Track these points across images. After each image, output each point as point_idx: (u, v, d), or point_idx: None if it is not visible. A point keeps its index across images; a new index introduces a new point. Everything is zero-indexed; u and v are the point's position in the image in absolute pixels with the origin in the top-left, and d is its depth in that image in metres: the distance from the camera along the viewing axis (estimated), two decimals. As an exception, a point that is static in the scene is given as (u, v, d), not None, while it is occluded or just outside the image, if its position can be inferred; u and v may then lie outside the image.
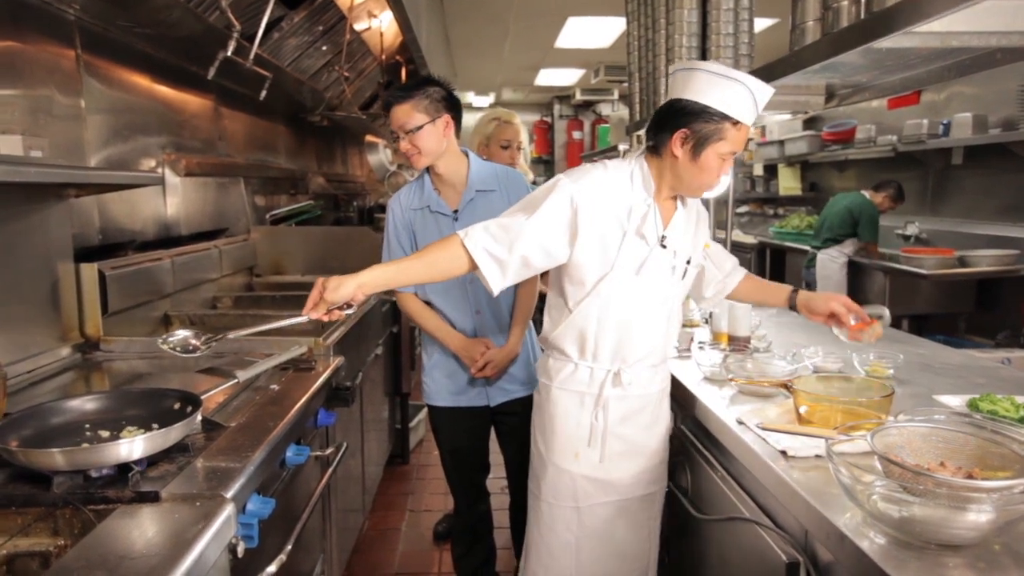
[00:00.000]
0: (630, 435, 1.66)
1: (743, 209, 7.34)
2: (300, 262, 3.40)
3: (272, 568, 1.27)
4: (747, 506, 1.38)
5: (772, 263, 6.05)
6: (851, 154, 5.76)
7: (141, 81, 2.56)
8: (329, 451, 1.82)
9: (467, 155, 2.07)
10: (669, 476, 1.90)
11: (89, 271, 2.00)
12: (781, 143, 6.47)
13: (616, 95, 8.98)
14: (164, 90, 2.72)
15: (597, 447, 1.65)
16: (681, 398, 1.87)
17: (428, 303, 2.08)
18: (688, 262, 1.66)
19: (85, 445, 1.19)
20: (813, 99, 2.18)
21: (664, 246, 1.59)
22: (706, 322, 2.58)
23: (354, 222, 5.15)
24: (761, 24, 5.49)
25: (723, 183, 1.81)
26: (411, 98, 1.92)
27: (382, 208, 5.95)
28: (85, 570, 0.89)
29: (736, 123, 1.49)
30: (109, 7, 2.15)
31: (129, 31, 2.39)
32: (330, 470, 1.70)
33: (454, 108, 1.99)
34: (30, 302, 1.82)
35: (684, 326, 2.55)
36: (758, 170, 7.22)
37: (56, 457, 1.10)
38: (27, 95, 1.91)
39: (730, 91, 1.47)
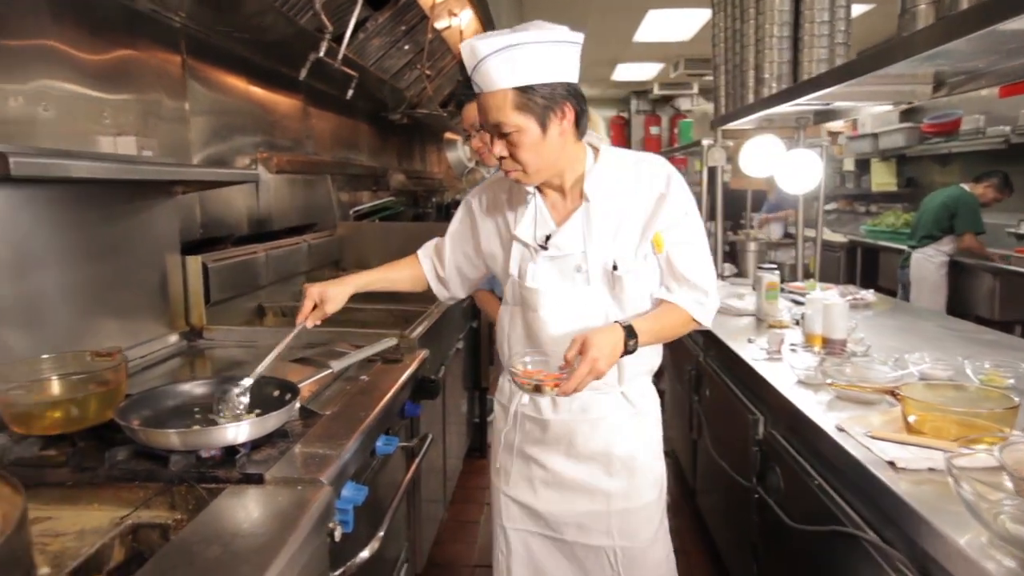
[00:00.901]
0: (552, 465, 1.50)
1: (831, 206, 7.00)
2: (383, 257, 3.46)
3: (365, 554, 1.30)
4: (848, 518, 1.31)
5: (864, 263, 5.75)
6: (955, 147, 5.39)
7: (237, 83, 2.68)
8: (415, 442, 1.86)
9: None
10: (758, 479, 1.84)
11: (194, 263, 2.12)
12: (875, 136, 6.13)
13: (696, 89, 8.75)
14: (257, 91, 2.85)
15: (511, 465, 1.56)
16: (772, 401, 1.80)
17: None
18: (615, 268, 1.39)
19: (196, 427, 1.26)
20: (920, 88, 2.03)
21: (545, 247, 1.42)
22: (796, 323, 2.47)
23: (432, 218, 5.24)
24: (855, 10, 5.21)
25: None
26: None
27: (459, 204, 6.03)
28: (203, 544, 0.94)
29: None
30: (211, 13, 2.26)
31: (228, 36, 2.51)
32: (417, 460, 1.73)
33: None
34: (143, 292, 1.94)
35: (772, 327, 2.47)
36: (848, 165, 6.87)
37: (172, 437, 1.17)
38: (140, 99, 2.04)
39: None
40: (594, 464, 1.48)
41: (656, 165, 1.44)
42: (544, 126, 1.29)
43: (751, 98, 2.63)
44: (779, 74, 2.37)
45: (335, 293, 1.53)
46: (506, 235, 1.51)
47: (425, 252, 1.69)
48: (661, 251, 1.41)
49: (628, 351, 1.31)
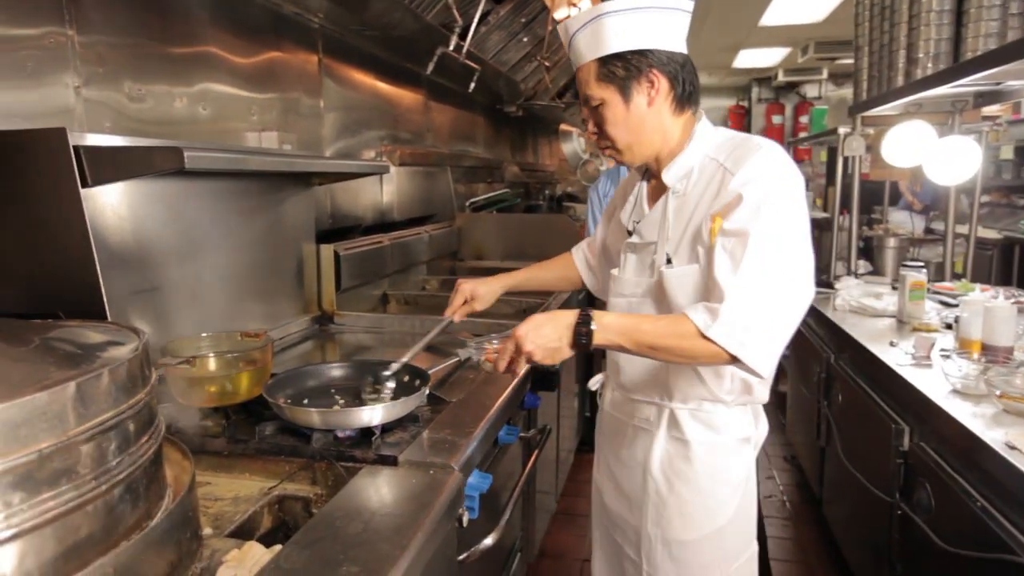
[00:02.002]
0: (608, 456, 1.46)
1: (984, 199, 6.32)
2: (500, 248, 3.53)
3: (489, 541, 1.32)
4: (1020, 545, 1.17)
5: (1022, 263, 5.15)
6: None
7: (365, 80, 2.80)
8: (533, 433, 1.87)
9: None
10: (901, 494, 1.70)
11: (327, 251, 2.23)
12: (1041, 119, 5.45)
13: (825, 74, 8.19)
14: (383, 87, 2.96)
15: (597, 451, 1.56)
16: (920, 411, 1.66)
17: None
18: (668, 261, 1.25)
19: (336, 408, 1.33)
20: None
21: (631, 232, 1.35)
22: (948, 327, 2.26)
23: (543, 210, 5.25)
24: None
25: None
26: None
27: (571, 196, 6.01)
28: (345, 519, 0.99)
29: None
30: (345, 13, 2.37)
31: (359, 34, 2.62)
32: (536, 451, 1.74)
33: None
34: (283, 277, 2.08)
35: (917, 330, 2.26)
36: (1006, 153, 6.16)
37: (314, 416, 1.24)
38: (282, 97, 2.17)
39: None
40: (631, 473, 1.38)
41: (749, 142, 1.22)
42: (627, 97, 1.22)
43: (900, 81, 2.41)
44: (936, 53, 2.15)
45: (485, 292, 1.62)
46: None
47: (577, 247, 1.75)
48: (714, 239, 1.15)
49: (580, 341, 1.13)
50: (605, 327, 1.13)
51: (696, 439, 1.29)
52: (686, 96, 1.25)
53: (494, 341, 1.34)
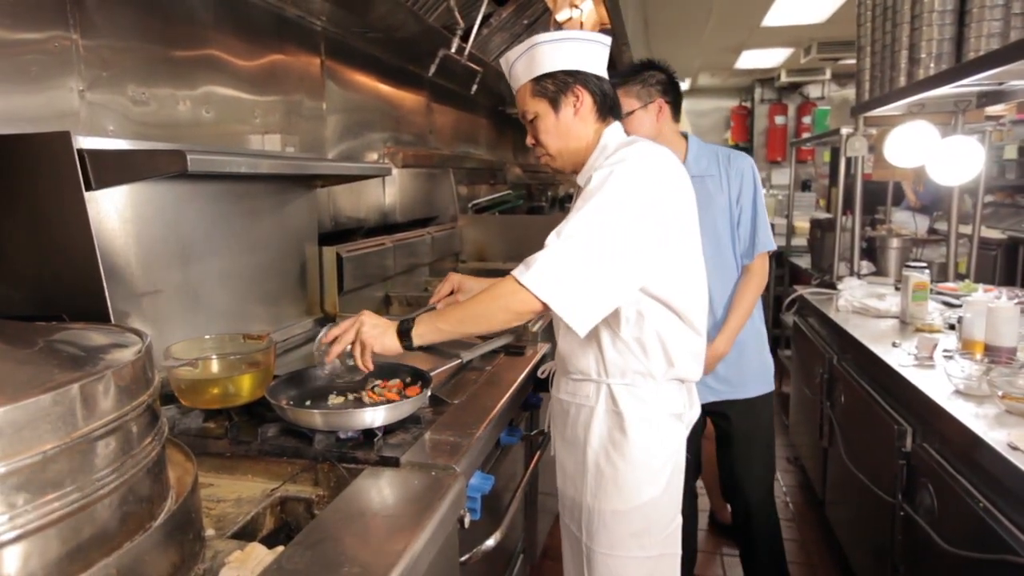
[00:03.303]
0: (559, 440, 1.53)
1: (987, 199, 6.29)
2: (502, 249, 3.54)
3: (491, 542, 1.32)
4: (1022, 546, 1.17)
5: (1026, 263, 5.13)
6: None
7: (367, 82, 2.81)
8: (535, 433, 1.87)
9: (686, 139, 2.01)
10: (904, 495, 1.70)
11: (329, 253, 2.24)
12: (1045, 120, 5.43)
13: (828, 75, 8.16)
14: (385, 89, 2.97)
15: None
16: (922, 411, 1.65)
17: None
18: None
19: (338, 409, 1.33)
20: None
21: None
22: (951, 328, 2.25)
23: (546, 211, 5.26)
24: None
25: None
26: (624, 84, 1.92)
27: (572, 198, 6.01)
28: (346, 520, 0.99)
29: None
30: (348, 15, 2.38)
31: (361, 36, 2.63)
32: (539, 452, 1.74)
33: (670, 92, 1.95)
34: (285, 279, 2.08)
35: (920, 330, 2.26)
36: (1010, 152, 6.14)
37: (316, 417, 1.24)
38: (285, 100, 2.18)
39: None
40: (570, 446, 1.47)
41: (631, 149, 1.32)
42: (556, 109, 1.41)
43: (903, 81, 2.41)
44: (938, 53, 2.14)
45: (472, 287, 1.64)
46: None
47: None
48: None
49: (404, 337, 1.32)
50: (420, 322, 1.32)
51: (631, 413, 1.39)
52: (607, 108, 1.45)
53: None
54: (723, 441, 2.15)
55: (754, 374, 2.05)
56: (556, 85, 1.40)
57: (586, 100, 1.41)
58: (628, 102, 1.91)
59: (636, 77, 1.93)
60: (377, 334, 1.32)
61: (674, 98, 1.95)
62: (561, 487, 1.52)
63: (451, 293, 1.70)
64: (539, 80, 1.41)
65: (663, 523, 1.43)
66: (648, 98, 1.92)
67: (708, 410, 2.04)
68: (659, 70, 1.94)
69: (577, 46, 1.41)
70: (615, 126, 1.46)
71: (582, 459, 1.43)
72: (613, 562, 1.41)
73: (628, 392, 1.39)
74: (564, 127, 1.43)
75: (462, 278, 1.70)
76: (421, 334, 1.31)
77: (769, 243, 1.98)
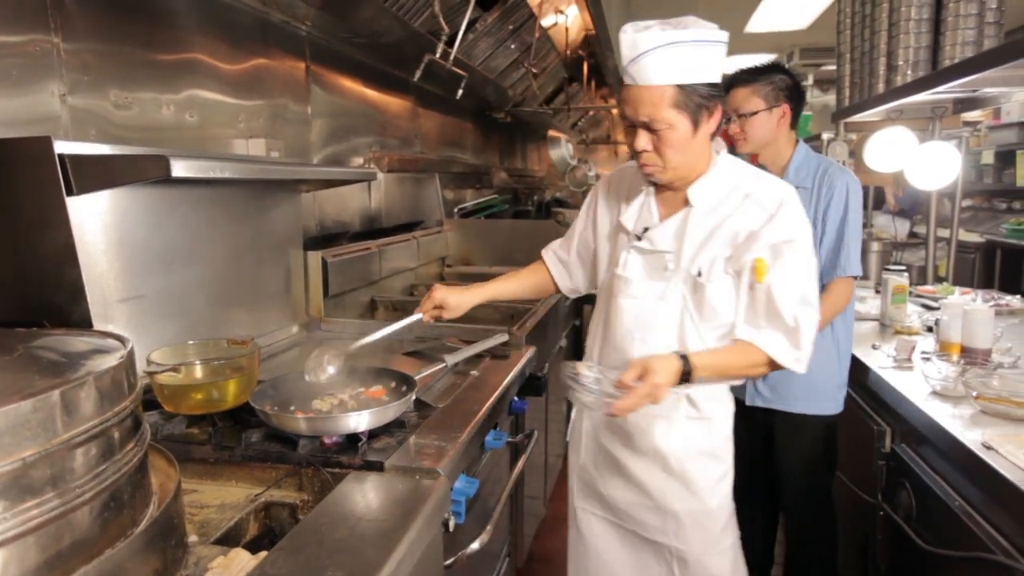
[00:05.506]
0: (616, 453, 1.49)
1: (966, 203, 6.40)
2: (488, 254, 3.54)
3: (475, 546, 1.33)
4: (997, 545, 1.19)
5: (1004, 265, 5.23)
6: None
7: (353, 86, 2.81)
8: (520, 438, 1.87)
9: (795, 145, 1.96)
10: (883, 495, 1.72)
11: (315, 258, 2.23)
12: (1022, 125, 5.52)
13: (811, 80, 8.26)
14: (371, 93, 2.97)
15: (580, 444, 1.59)
16: (901, 412, 1.68)
17: None
18: (699, 274, 1.35)
19: (322, 414, 1.33)
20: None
21: (639, 238, 1.42)
22: (929, 330, 2.29)
23: (532, 216, 5.27)
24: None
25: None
26: (754, 82, 1.89)
27: (560, 202, 6.03)
28: (331, 525, 0.99)
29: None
30: (333, 20, 2.38)
31: (347, 41, 2.63)
32: (524, 456, 1.75)
33: (796, 99, 1.91)
34: (270, 284, 2.08)
35: (900, 333, 2.29)
36: (987, 158, 6.25)
37: (300, 422, 1.24)
38: (269, 104, 2.18)
39: None
40: (650, 460, 1.45)
41: (772, 186, 1.37)
42: (696, 125, 1.28)
43: (881, 87, 2.45)
44: (915, 60, 2.19)
45: (456, 303, 1.58)
46: (616, 223, 1.52)
47: (548, 248, 1.73)
48: (761, 280, 1.30)
49: (682, 381, 1.26)
50: (700, 368, 1.26)
51: (712, 414, 1.43)
52: (720, 127, 1.36)
53: (596, 386, 1.30)
54: (767, 451, 2.07)
55: (805, 391, 1.91)
56: (702, 99, 1.26)
57: (717, 119, 1.31)
58: (754, 102, 1.87)
59: (766, 78, 1.87)
60: (667, 392, 1.24)
61: (796, 105, 1.90)
62: (626, 497, 1.49)
63: (435, 308, 1.59)
64: (686, 88, 1.24)
65: (732, 510, 1.49)
66: (775, 101, 1.87)
67: (756, 412, 1.98)
68: (787, 75, 1.90)
69: (721, 51, 1.27)
70: (723, 147, 1.41)
71: (667, 466, 1.43)
72: (709, 560, 1.44)
73: (706, 396, 1.42)
74: (697, 146, 1.31)
75: (444, 295, 1.59)
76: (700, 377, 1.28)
77: (852, 267, 1.85)
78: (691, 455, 1.42)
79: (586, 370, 1.32)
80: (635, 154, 1.34)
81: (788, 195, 1.35)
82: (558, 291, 1.73)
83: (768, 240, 1.30)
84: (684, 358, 1.25)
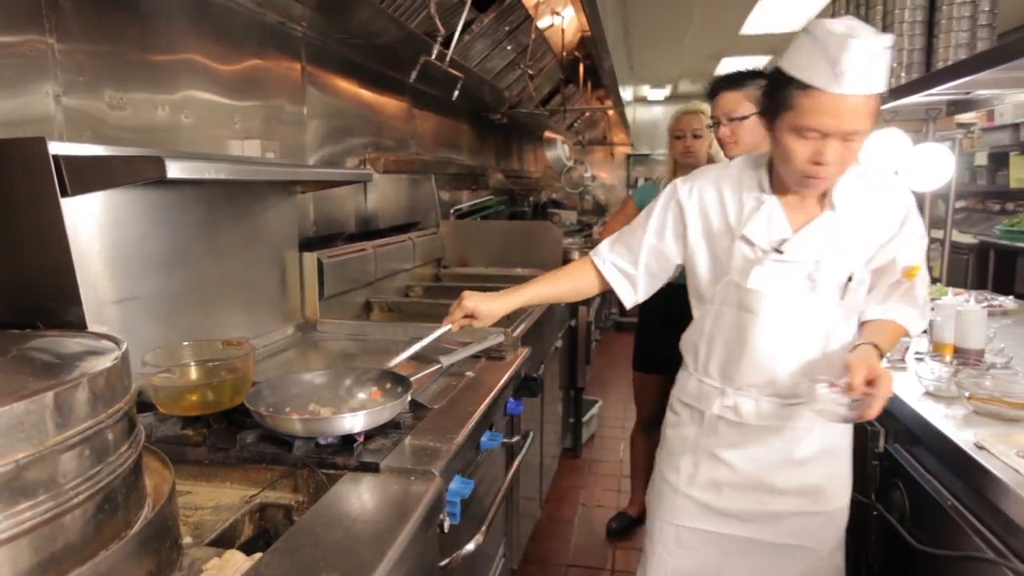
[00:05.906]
0: (744, 467, 1.49)
1: (959, 204, 6.43)
2: (484, 255, 3.55)
3: (470, 547, 1.33)
4: (990, 544, 1.20)
5: (997, 267, 5.25)
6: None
7: (348, 87, 2.81)
8: (516, 439, 1.88)
9: None
10: (878, 497, 1.73)
11: (310, 259, 2.23)
12: (1015, 127, 5.55)
13: (805, 81, 8.30)
14: (366, 94, 2.97)
15: (693, 464, 1.55)
16: (894, 412, 1.69)
17: None
18: (850, 279, 1.36)
19: (317, 415, 1.33)
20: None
21: (780, 251, 1.37)
22: (923, 331, 2.30)
23: (528, 216, 5.28)
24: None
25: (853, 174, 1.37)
26: (744, 86, 1.90)
27: (556, 203, 6.04)
28: (326, 526, 0.99)
29: (805, 87, 1.20)
30: (328, 21, 2.38)
31: (342, 42, 2.63)
32: (519, 457, 1.75)
33: None
34: (265, 286, 2.07)
35: (894, 334, 2.30)
36: (980, 159, 6.28)
37: (295, 424, 1.24)
38: (265, 105, 2.18)
39: (798, 46, 1.23)
40: (790, 467, 1.48)
41: (899, 184, 1.45)
42: (870, 131, 1.27)
43: (875, 89, 2.46)
44: (909, 62, 2.20)
45: (488, 311, 1.55)
46: (720, 231, 1.46)
47: (602, 256, 1.60)
48: (911, 279, 1.40)
49: None
50: (883, 353, 1.36)
51: None
52: None
53: (833, 392, 1.31)
54: None
55: None
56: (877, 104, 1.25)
57: None
58: (745, 106, 1.87)
59: (756, 82, 1.87)
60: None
61: None
62: (774, 510, 1.50)
63: (465, 317, 1.56)
64: (881, 95, 1.24)
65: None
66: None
67: None
68: None
69: None
70: None
71: (799, 472, 1.47)
72: (839, 555, 1.53)
73: None
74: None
75: (476, 304, 1.53)
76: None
77: None
78: (827, 457, 1.50)
79: (819, 386, 1.32)
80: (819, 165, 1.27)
81: (904, 186, 1.44)
82: (597, 295, 1.71)
83: (908, 239, 1.40)
84: (876, 347, 1.33)
